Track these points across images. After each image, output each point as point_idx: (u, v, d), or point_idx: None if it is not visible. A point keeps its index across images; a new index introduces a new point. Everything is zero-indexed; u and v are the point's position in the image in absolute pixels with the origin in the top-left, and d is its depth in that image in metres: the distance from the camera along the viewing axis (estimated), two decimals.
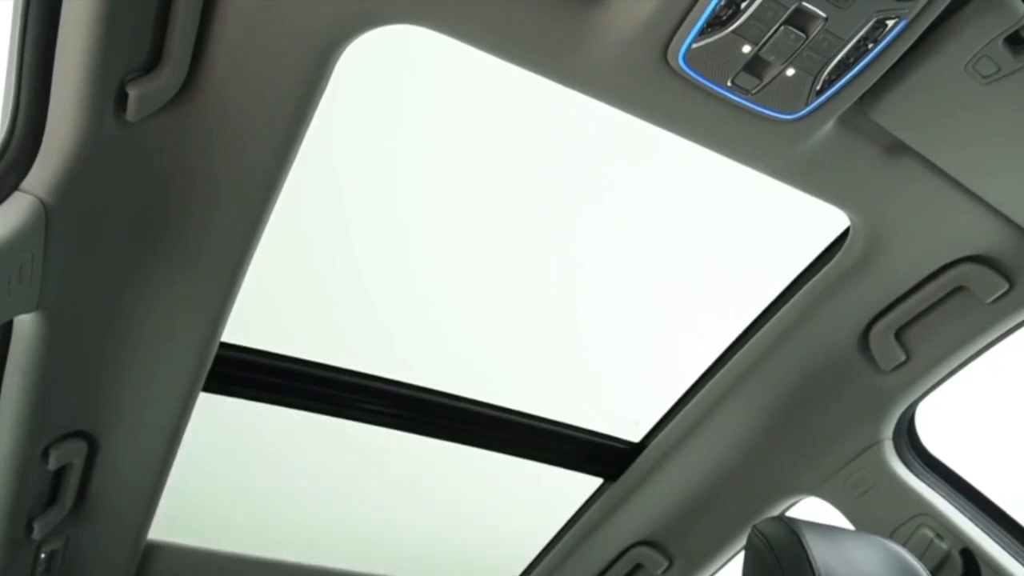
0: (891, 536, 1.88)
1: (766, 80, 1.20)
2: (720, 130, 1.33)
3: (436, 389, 2.05)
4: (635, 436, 2.21)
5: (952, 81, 1.22)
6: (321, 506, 2.56)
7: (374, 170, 1.82)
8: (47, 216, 1.17)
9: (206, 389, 1.70)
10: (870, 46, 1.15)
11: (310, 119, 1.24)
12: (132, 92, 1.11)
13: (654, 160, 1.71)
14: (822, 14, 1.10)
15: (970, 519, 1.89)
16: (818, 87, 1.21)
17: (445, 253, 2.01)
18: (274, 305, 1.92)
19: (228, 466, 2.38)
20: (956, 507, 1.91)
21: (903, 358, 1.77)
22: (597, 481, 2.29)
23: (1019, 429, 2.31)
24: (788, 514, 2.13)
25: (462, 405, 2.09)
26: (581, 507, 2.34)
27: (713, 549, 2.24)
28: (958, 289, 1.64)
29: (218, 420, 1.95)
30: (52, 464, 1.60)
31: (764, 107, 1.24)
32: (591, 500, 2.31)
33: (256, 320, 1.78)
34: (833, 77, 1.20)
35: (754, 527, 1.58)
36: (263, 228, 1.38)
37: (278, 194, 1.33)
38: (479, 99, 1.69)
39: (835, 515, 2.03)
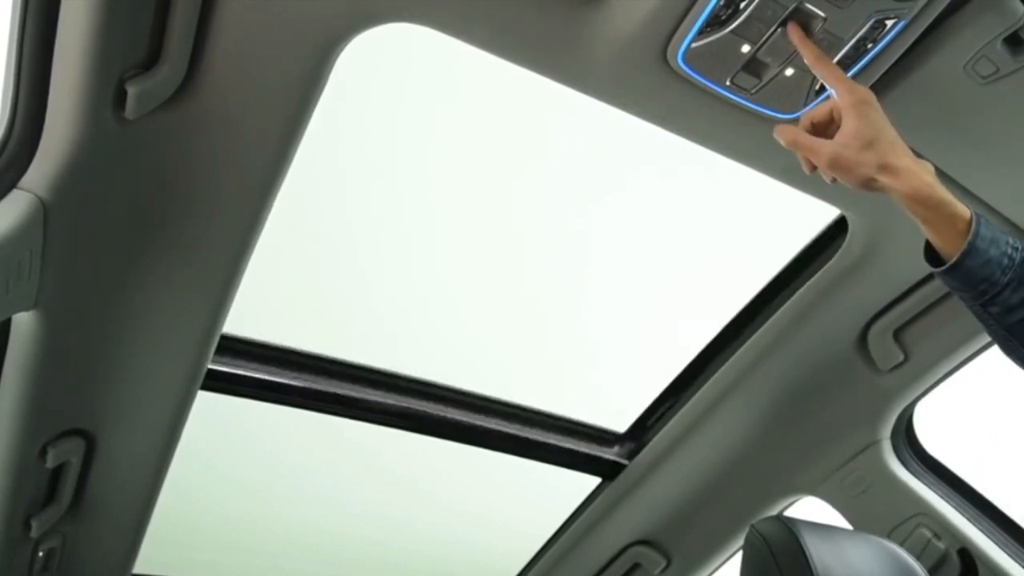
0: (889, 536, 1.88)
1: (765, 80, 1.20)
2: (719, 130, 1.33)
3: (435, 384, 2.05)
4: (632, 434, 2.21)
5: (951, 81, 1.23)
6: (318, 504, 2.55)
7: (373, 163, 1.82)
8: (45, 214, 1.17)
9: (206, 387, 1.70)
10: (869, 46, 1.15)
11: (310, 116, 1.23)
12: (131, 89, 1.10)
13: (653, 158, 1.71)
14: (821, 14, 1.10)
15: (968, 519, 1.90)
16: (817, 87, 1.21)
17: (443, 248, 2.01)
18: (270, 303, 1.92)
19: (228, 466, 2.38)
20: (954, 507, 1.91)
21: (901, 358, 1.78)
22: (595, 480, 2.29)
23: (1017, 429, 2.31)
24: (786, 514, 2.13)
25: (460, 408, 2.08)
26: (579, 506, 2.34)
27: (711, 548, 2.25)
28: None
29: (218, 420, 1.94)
30: (50, 462, 1.60)
31: (763, 107, 1.24)
32: (589, 499, 2.31)
33: (252, 318, 1.78)
34: None
35: (752, 527, 1.58)
36: (262, 226, 1.37)
37: (277, 192, 1.33)
38: (478, 94, 1.68)
39: (833, 515, 2.04)
